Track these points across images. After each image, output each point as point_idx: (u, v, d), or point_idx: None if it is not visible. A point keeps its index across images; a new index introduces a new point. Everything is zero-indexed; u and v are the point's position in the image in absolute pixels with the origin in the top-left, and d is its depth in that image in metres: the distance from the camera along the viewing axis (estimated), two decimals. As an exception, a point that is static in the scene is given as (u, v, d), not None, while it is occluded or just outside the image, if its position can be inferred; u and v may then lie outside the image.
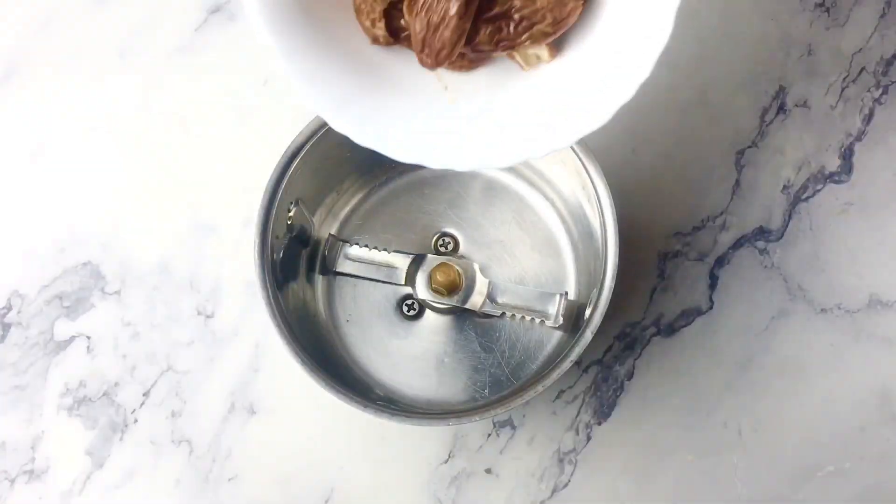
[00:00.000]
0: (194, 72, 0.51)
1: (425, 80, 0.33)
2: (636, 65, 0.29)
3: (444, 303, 0.44)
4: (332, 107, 0.31)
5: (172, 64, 0.52)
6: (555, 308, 0.43)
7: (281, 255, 0.41)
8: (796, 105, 0.50)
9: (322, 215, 0.46)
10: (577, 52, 0.32)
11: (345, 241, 0.45)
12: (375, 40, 0.32)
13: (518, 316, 0.43)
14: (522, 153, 0.32)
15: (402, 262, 0.44)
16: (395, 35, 0.32)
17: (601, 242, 0.38)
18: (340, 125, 0.31)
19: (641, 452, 0.46)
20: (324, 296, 0.46)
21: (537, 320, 0.43)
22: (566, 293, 0.43)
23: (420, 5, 0.30)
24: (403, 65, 0.33)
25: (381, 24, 0.32)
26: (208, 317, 0.48)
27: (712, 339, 0.47)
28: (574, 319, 0.43)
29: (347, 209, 0.47)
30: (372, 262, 0.45)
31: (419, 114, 0.33)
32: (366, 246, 0.45)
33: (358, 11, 0.32)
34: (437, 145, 0.32)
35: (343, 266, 0.45)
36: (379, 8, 0.31)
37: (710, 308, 0.48)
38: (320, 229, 0.46)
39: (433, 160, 0.32)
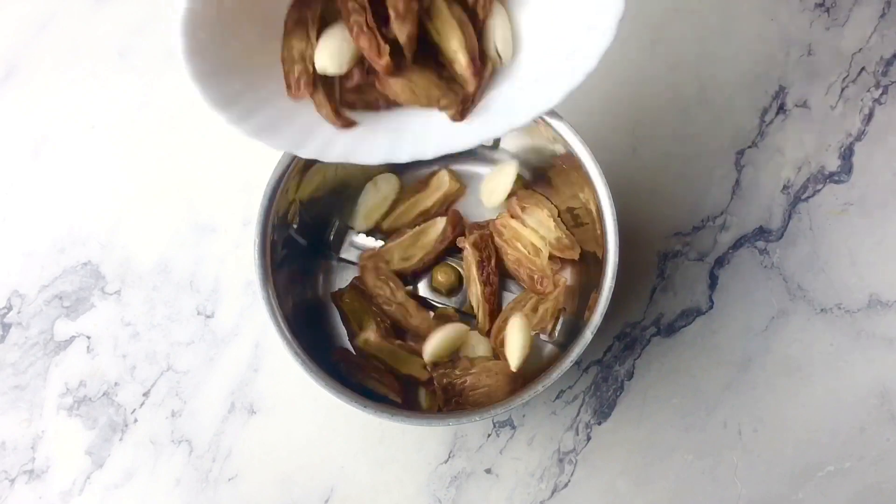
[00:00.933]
0: (194, 72, 0.51)
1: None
2: (584, 56, 0.31)
3: (443, 303, 0.44)
4: (298, 144, 0.33)
5: (172, 63, 0.52)
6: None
7: (281, 254, 0.41)
8: (796, 105, 0.50)
9: (322, 215, 0.46)
10: (530, 45, 0.34)
11: (352, 228, 0.45)
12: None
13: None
14: (483, 134, 0.34)
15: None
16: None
17: (601, 242, 0.38)
18: (307, 154, 0.33)
19: (641, 452, 0.46)
20: (325, 295, 0.46)
21: (533, 332, 0.43)
22: (564, 308, 0.43)
23: None
24: None
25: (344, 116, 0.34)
26: (208, 317, 0.48)
27: (712, 339, 0.47)
28: (569, 335, 0.43)
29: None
30: None
31: (379, 123, 0.34)
32: (372, 236, 0.45)
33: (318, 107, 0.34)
34: (401, 142, 0.34)
35: (347, 253, 0.45)
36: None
37: (710, 308, 0.48)
38: (321, 227, 0.46)
39: (400, 155, 0.34)
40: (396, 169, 0.46)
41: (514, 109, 0.34)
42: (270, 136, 0.32)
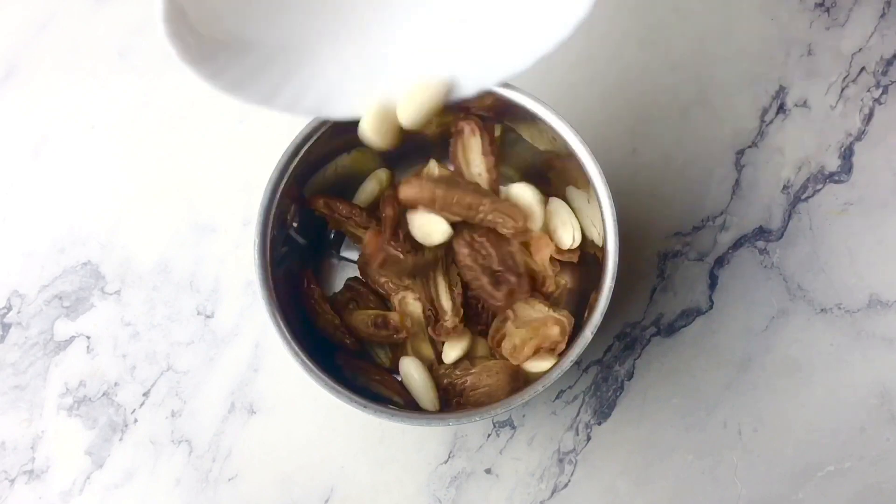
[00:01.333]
0: (194, 72, 0.51)
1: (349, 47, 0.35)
2: (559, 25, 0.31)
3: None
4: (269, 97, 0.33)
5: (172, 63, 0.52)
6: None
7: (281, 253, 0.41)
8: (796, 105, 0.50)
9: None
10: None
11: None
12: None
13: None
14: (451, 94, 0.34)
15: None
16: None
17: (601, 242, 0.38)
18: (279, 107, 0.34)
19: (641, 452, 0.46)
20: (325, 294, 0.45)
21: None
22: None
23: None
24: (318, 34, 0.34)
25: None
26: (208, 317, 0.48)
27: (712, 339, 0.47)
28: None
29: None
30: None
31: (357, 71, 0.34)
32: None
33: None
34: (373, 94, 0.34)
35: (348, 251, 0.45)
36: None
37: (710, 308, 0.48)
38: (321, 227, 0.46)
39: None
40: (390, 165, 0.46)
41: (485, 71, 0.34)
42: (243, 90, 0.33)
